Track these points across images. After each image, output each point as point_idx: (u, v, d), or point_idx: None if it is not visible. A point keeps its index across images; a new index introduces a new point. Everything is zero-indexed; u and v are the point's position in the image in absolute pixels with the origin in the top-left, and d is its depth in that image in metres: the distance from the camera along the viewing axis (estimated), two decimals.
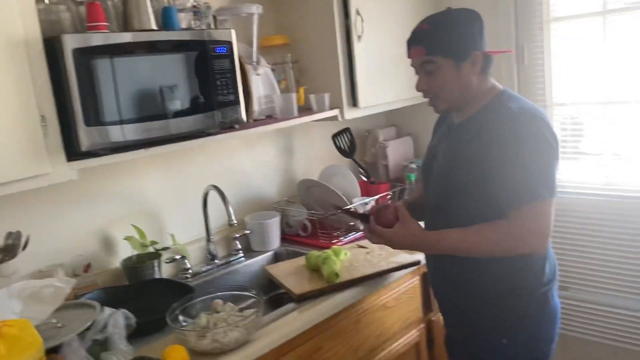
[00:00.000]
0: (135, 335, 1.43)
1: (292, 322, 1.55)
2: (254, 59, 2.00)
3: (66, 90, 1.36)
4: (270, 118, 2.05)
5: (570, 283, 2.36)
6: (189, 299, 1.52)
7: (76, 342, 1.29)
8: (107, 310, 1.41)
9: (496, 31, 2.34)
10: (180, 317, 1.50)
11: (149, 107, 1.51)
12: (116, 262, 1.85)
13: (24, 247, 1.54)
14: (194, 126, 1.61)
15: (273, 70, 2.12)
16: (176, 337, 1.40)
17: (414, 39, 1.44)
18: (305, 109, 2.15)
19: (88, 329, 1.36)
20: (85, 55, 1.37)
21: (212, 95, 1.64)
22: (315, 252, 1.85)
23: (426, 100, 1.51)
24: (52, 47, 1.35)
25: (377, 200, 1.60)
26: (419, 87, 1.47)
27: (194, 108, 1.60)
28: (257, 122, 1.97)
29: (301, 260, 1.90)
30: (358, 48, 2.12)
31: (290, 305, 1.66)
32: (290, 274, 1.82)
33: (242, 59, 1.87)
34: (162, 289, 1.73)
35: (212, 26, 1.80)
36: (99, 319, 1.37)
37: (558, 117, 2.31)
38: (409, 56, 1.46)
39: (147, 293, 1.72)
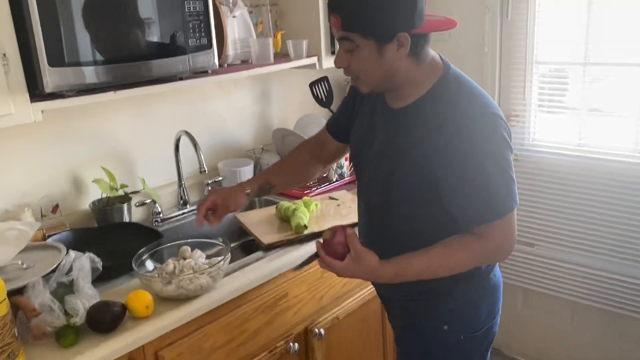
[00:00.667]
0: (101, 278, 1.43)
1: (259, 270, 1.58)
2: (230, 0, 1.93)
3: (28, 27, 1.31)
4: (245, 63, 2.00)
5: (536, 240, 2.42)
6: (156, 245, 1.53)
7: (40, 284, 1.29)
8: (73, 253, 1.41)
9: None
10: (148, 262, 1.51)
11: (118, 48, 1.46)
12: (86, 204, 1.84)
13: None
14: (165, 70, 1.57)
15: (250, 12, 2.06)
16: (142, 283, 1.42)
17: (331, 4, 1.19)
18: (282, 55, 2.10)
19: (53, 271, 1.37)
20: None
21: (184, 38, 1.59)
22: (285, 203, 1.86)
23: None
24: None
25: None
26: (337, 63, 1.24)
27: (165, 51, 1.56)
28: (231, 68, 1.93)
29: (271, 210, 1.91)
30: None
31: (258, 254, 1.68)
32: (259, 223, 1.84)
33: (218, 1, 1.80)
34: (131, 232, 1.74)
35: None
36: (64, 261, 1.37)
37: (536, 74, 2.29)
38: (329, 21, 1.23)
39: (116, 236, 1.73)
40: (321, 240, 1.30)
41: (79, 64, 1.39)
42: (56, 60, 1.35)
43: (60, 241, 1.63)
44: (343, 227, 1.27)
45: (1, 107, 1.32)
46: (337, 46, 1.31)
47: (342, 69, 1.26)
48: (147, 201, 1.91)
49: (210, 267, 1.45)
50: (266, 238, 1.71)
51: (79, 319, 1.26)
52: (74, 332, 1.25)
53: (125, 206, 1.81)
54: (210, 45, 1.66)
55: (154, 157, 2.00)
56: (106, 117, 1.86)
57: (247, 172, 2.13)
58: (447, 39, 2.40)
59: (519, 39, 2.27)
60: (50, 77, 1.34)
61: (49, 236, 1.66)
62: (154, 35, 1.53)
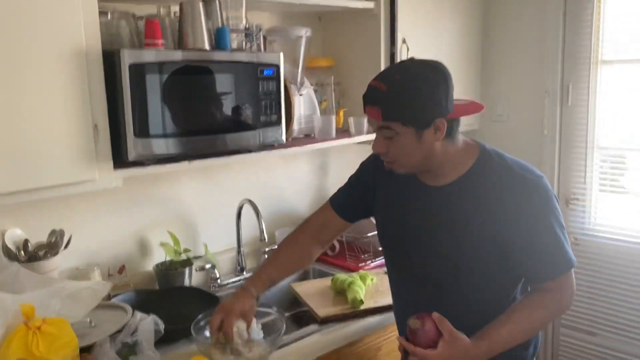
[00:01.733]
0: (161, 341, 1.47)
1: (314, 344, 1.58)
2: (299, 80, 2.05)
3: (119, 102, 1.43)
4: (308, 137, 2.09)
5: (597, 328, 2.32)
6: (206, 315, 1.54)
7: (107, 344, 1.34)
8: (138, 314, 1.47)
9: (542, 69, 2.33)
10: (206, 329, 1.54)
11: (195, 122, 1.57)
12: (150, 266, 1.91)
13: (66, 246, 1.62)
14: (237, 143, 1.66)
15: (315, 91, 2.17)
16: (199, 350, 1.44)
17: (369, 98, 1.25)
18: (343, 131, 2.19)
19: (119, 331, 1.42)
20: (141, 71, 1.43)
21: (256, 115, 1.69)
22: (341, 275, 1.87)
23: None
24: (110, 59, 1.42)
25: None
26: (375, 149, 1.30)
27: (238, 126, 1.66)
28: (296, 141, 2.01)
29: (327, 282, 1.93)
30: None
31: (313, 327, 1.69)
32: (315, 294, 1.85)
33: (287, 80, 1.92)
34: (191, 296, 1.78)
35: (262, 46, 1.85)
36: (130, 322, 1.42)
37: (597, 158, 2.28)
38: (365, 112, 1.27)
39: (176, 299, 1.77)
40: (403, 336, 1.29)
41: (160, 136, 1.50)
42: (141, 132, 1.46)
43: (124, 301, 1.69)
44: (426, 314, 1.26)
45: (88, 173, 1.42)
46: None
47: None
48: (207, 266, 1.96)
49: (267, 338, 1.46)
50: (321, 311, 1.72)
51: None
52: None
53: (187, 270, 1.87)
54: (279, 122, 1.76)
55: (216, 224, 2.08)
56: (176, 185, 1.96)
57: None
58: (505, 120, 2.44)
59: (579, 123, 2.29)
60: (135, 147, 1.45)
61: (114, 296, 1.73)
62: (228, 112, 1.63)
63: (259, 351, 1.42)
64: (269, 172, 2.23)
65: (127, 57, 1.41)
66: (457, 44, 2.36)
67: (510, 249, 1.26)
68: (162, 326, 1.47)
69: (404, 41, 2.12)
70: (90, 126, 1.40)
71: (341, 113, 2.17)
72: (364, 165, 1.56)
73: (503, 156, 1.33)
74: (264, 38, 1.92)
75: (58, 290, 1.28)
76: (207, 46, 1.57)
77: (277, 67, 1.72)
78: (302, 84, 2.06)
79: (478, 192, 1.28)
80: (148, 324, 1.43)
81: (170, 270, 1.86)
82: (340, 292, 1.84)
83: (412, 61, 1.27)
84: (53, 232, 1.63)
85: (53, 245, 1.62)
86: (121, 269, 1.82)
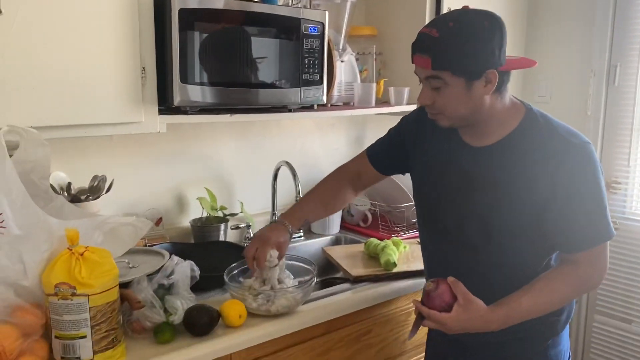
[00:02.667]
0: (195, 288, 1.48)
1: (345, 301, 1.57)
2: (341, 46, 2.05)
3: (167, 47, 1.45)
4: (347, 105, 2.09)
5: (633, 316, 2.26)
6: (240, 264, 1.55)
7: (145, 282, 1.36)
8: (176, 258, 1.49)
9: (590, 48, 2.28)
10: (239, 278, 1.55)
11: (239, 74, 1.58)
12: (186, 221, 1.94)
13: (107, 190, 1.65)
14: (278, 100, 1.67)
15: (357, 59, 2.16)
16: (232, 296, 1.45)
17: (419, 45, 1.21)
18: (382, 102, 2.17)
19: (155, 273, 1.44)
20: (189, 16, 1.45)
21: (298, 72, 1.69)
22: (374, 240, 1.87)
23: None
24: (160, 4, 1.44)
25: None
26: (421, 101, 1.26)
27: (280, 82, 1.66)
28: (335, 107, 2.01)
29: (359, 247, 1.93)
30: None
31: (346, 285, 1.69)
32: (347, 257, 1.85)
33: (330, 43, 1.92)
34: (225, 250, 1.80)
35: (308, 6, 1.86)
36: (167, 265, 1.44)
37: None
38: (413, 62, 1.24)
39: (210, 252, 1.79)
40: (418, 299, 1.28)
41: (205, 84, 1.51)
42: (187, 78, 1.47)
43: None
44: (442, 279, 1.26)
45: (134, 115, 1.45)
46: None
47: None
48: (242, 225, 1.98)
49: (299, 285, 1.47)
50: (354, 271, 1.72)
51: (177, 318, 1.31)
52: (171, 329, 1.29)
53: (222, 226, 1.89)
54: (321, 82, 1.76)
55: (252, 185, 2.09)
56: (216, 143, 1.98)
57: (336, 216, 2.16)
58: (548, 101, 2.39)
59: (625, 105, 2.23)
60: (180, 93, 1.47)
61: (150, 246, 1.76)
62: (271, 67, 1.64)
63: (291, 297, 1.43)
64: (306, 139, 2.24)
65: (178, 2, 1.43)
66: (509, 8, 2.32)
67: (547, 213, 1.22)
68: (197, 272, 1.49)
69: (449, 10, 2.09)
70: (138, 68, 1.43)
71: (381, 83, 2.16)
72: (405, 120, 1.54)
73: (549, 119, 1.29)
74: (309, 1, 1.92)
75: (101, 223, 1.30)
76: None
77: (322, 25, 1.72)
78: (344, 50, 2.05)
79: (520, 154, 1.25)
80: (185, 267, 1.45)
81: (206, 225, 1.88)
82: (373, 256, 1.83)
83: (466, 9, 1.22)
84: (95, 177, 1.66)
85: (95, 189, 1.65)
86: (158, 221, 1.84)
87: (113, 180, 1.66)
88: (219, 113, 1.62)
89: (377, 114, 2.14)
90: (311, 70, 1.72)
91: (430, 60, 1.19)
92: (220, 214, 1.93)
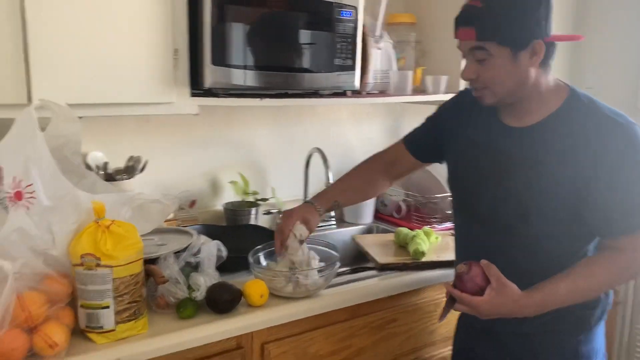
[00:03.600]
0: (223, 268, 1.50)
1: (370, 287, 1.56)
2: (377, 32, 2.02)
3: (200, 29, 1.47)
4: (382, 93, 2.06)
5: None
6: (267, 246, 1.56)
7: (171, 258, 1.39)
8: (203, 238, 1.51)
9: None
10: (263, 260, 1.55)
11: (271, 58, 1.59)
12: (219, 205, 1.97)
13: (141, 170, 1.70)
14: (310, 84, 1.67)
15: (394, 47, 2.13)
16: (255, 277, 1.45)
17: (463, 17, 1.19)
18: (420, 91, 2.14)
19: (183, 251, 1.47)
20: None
21: (330, 57, 1.68)
22: (405, 229, 1.84)
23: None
24: None
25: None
26: (465, 75, 1.24)
27: (312, 66, 1.66)
28: (369, 94, 1.99)
29: (390, 236, 1.90)
30: None
31: (372, 272, 1.67)
32: (376, 245, 1.83)
33: (366, 29, 1.90)
34: (255, 234, 1.81)
35: None
36: (194, 243, 1.47)
37: None
38: (456, 36, 1.22)
39: (241, 235, 1.80)
40: (450, 283, 1.26)
41: (236, 66, 1.53)
42: (218, 59, 1.49)
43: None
44: (475, 261, 1.23)
45: (166, 96, 1.48)
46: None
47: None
48: (273, 211, 1.99)
49: (321, 268, 1.46)
50: (382, 258, 1.70)
51: (199, 294, 1.33)
52: (193, 305, 1.32)
53: (253, 210, 1.91)
54: (354, 67, 1.74)
55: (285, 171, 2.11)
56: (250, 129, 2.01)
57: (369, 205, 2.15)
58: (595, 93, 2.29)
59: None
60: (210, 74, 1.49)
61: (182, 227, 1.79)
62: (304, 51, 1.64)
63: (313, 280, 1.42)
64: (340, 126, 2.23)
65: None
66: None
67: (588, 194, 1.17)
68: (224, 252, 1.51)
69: None
70: (170, 49, 1.46)
71: (419, 71, 2.12)
72: (444, 106, 1.51)
73: (594, 100, 1.25)
74: None
75: (129, 199, 1.33)
76: None
77: (356, 9, 1.71)
78: (381, 37, 2.03)
79: (562, 133, 1.20)
80: (211, 246, 1.47)
81: (237, 209, 1.90)
82: (402, 245, 1.81)
83: None
84: (131, 158, 1.71)
85: (130, 169, 1.70)
86: (192, 203, 1.88)
87: (147, 160, 1.70)
88: (249, 97, 1.63)
89: (414, 102, 2.11)
90: (344, 55, 1.71)
91: (474, 31, 1.18)
92: (252, 198, 1.95)
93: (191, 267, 1.43)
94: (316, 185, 2.12)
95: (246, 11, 1.52)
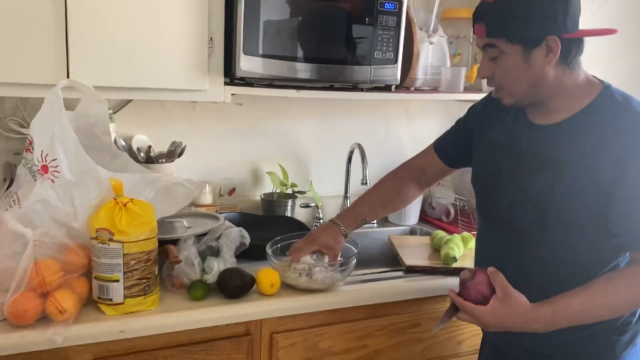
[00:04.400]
0: (247, 256, 1.52)
1: (392, 288, 1.51)
2: (432, 27, 1.95)
3: (235, 18, 1.50)
4: (433, 90, 1.99)
5: None
6: (296, 236, 1.55)
7: (191, 241, 1.42)
8: (227, 223, 1.54)
9: None
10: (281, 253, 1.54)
11: (306, 48, 1.58)
12: (259, 194, 1.99)
13: (179, 155, 1.76)
14: (346, 77, 1.64)
15: (450, 42, 2.05)
16: (271, 265, 1.45)
17: (476, 13, 1.14)
18: (474, 89, 2.03)
19: (206, 234, 1.50)
20: None
21: (370, 50, 1.65)
22: (441, 232, 1.76)
23: None
24: None
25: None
26: (480, 73, 1.18)
27: (349, 58, 1.63)
28: (416, 90, 1.93)
29: (426, 239, 1.83)
30: None
31: (398, 273, 1.62)
32: (410, 247, 1.77)
33: (414, 22, 1.84)
34: (288, 226, 1.81)
35: None
36: (216, 228, 1.50)
37: None
38: (473, 32, 1.17)
39: (273, 226, 1.81)
40: (455, 290, 1.20)
41: (269, 56, 1.54)
42: (251, 49, 1.51)
43: (228, 219, 1.78)
44: (482, 269, 1.16)
45: (199, 83, 1.52)
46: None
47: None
48: (312, 204, 1.99)
49: (338, 262, 1.43)
50: (409, 260, 1.64)
51: (210, 277, 1.35)
52: (204, 287, 1.34)
53: (290, 202, 1.91)
54: (395, 61, 1.69)
55: (327, 165, 2.09)
56: (294, 120, 2.01)
57: (414, 207, 2.08)
58: None
59: None
60: (243, 64, 1.51)
61: (221, 213, 1.84)
62: (341, 42, 1.62)
63: (328, 274, 1.40)
64: (390, 124, 2.18)
65: None
66: (621, 6, 2.04)
67: (614, 199, 1.05)
68: (247, 240, 1.52)
69: None
70: (206, 38, 1.49)
71: (474, 69, 2.02)
72: (473, 108, 1.44)
73: (630, 97, 1.12)
74: None
75: (153, 180, 1.39)
76: None
77: (400, 2, 1.65)
78: (435, 31, 1.95)
79: (589, 131, 1.10)
80: (233, 233, 1.49)
81: (274, 200, 1.92)
82: (437, 249, 1.73)
83: None
84: (173, 143, 1.78)
85: (172, 154, 1.77)
86: (231, 191, 1.92)
87: (185, 145, 1.76)
88: (286, 88, 1.64)
89: (467, 100, 2.00)
90: (384, 48, 1.66)
91: (484, 27, 1.11)
92: (290, 190, 1.95)
93: (212, 251, 1.46)
94: (358, 183, 2.08)
95: (281, 1, 1.52)
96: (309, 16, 1.57)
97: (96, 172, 1.27)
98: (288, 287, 1.41)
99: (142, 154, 1.72)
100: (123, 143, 1.71)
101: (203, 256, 1.41)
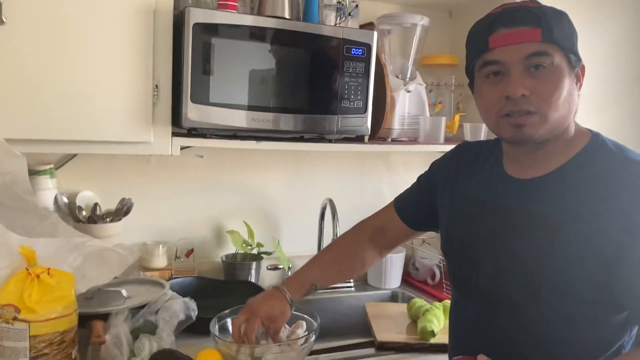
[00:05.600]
0: (195, 330, 1.33)
1: None
2: (409, 74, 1.81)
3: (181, 64, 1.36)
4: (410, 141, 1.83)
5: None
6: (236, 310, 1.33)
7: (123, 315, 1.23)
8: (170, 294, 1.35)
9: None
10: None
11: (262, 97, 1.43)
12: (220, 255, 1.80)
13: (126, 213, 1.58)
14: (309, 127, 1.49)
15: (430, 91, 1.91)
16: (215, 346, 1.25)
17: (522, 16, 0.92)
18: (457, 139, 1.87)
19: (144, 306, 1.31)
20: (205, 32, 1.34)
21: (335, 98, 1.50)
22: (420, 301, 1.56)
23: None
24: (179, 20, 1.36)
25: None
26: (516, 91, 0.91)
27: (314, 107, 1.48)
28: (394, 141, 1.77)
29: (404, 307, 1.63)
30: None
31: (369, 351, 1.42)
32: (385, 317, 1.57)
33: (386, 69, 1.70)
34: (251, 294, 1.61)
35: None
36: (157, 300, 1.31)
37: None
38: (507, 40, 0.91)
39: (235, 293, 1.63)
40: None
41: (221, 105, 1.39)
42: (199, 97, 1.36)
43: (182, 285, 1.60)
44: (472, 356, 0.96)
45: (142, 134, 1.36)
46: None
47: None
48: (281, 266, 1.80)
49: (290, 341, 1.23)
50: (381, 335, 1.43)
51: None
52: None
53: (254, 265, 1.72)
54: (364, 110, 1.54)
55: (298, 223, 1.91)
56: (259, 173, 1.85)
57: (395, 261, 1.89)
58: None
59: None
60: (190, 113, 1.36)
61: (176, 277, 1.66)
62: (302, 90, 1.47)
63: (281, 356, 1.19)
64: (368, 176, 2.01)
65: (193, 16, 1.33)
66: (621, 50, 1.90)
67: (620, 266, 0.87)
68: (194, 312, 1.33)
69: None
70: (150, 85, 1.35)
71: (457, 118, 1.87)
72: (436, 163, 1.25)
73: (623, 147, 0.96)
74: (379, 27, 1.74)
75: (79, 245, 1.21)
76: (287, 15, 1.44)
77: (368, 47, 1.52)
78: (412, 78, 1.81)
79: (582, 185, 0.93)
80: (176, 305, 1.31)
81: (236, 262, 1.73)
82: (416, 320, 1.53)
83: None
84: (122, 200, 1.61)
85: (119, 212, 1.60)
86: (189, 253, 1.73)
87: (132, 203, 1.59)
88: (243, 139, 1.48)
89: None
90: (352, 97, 1.52)
91: (540, 31, 0.91)
92: (255, 251, 1.77)
93: (150, 328, 1.27)
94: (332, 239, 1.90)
95: (235, 46, 1.38)
96: (269, 62, 1.43)
97: (5, 238, 1.10)
98: None
99: (83, 213, 1.55)
100: (65, 200, 1.54)
101: (136, 334, 1.22)
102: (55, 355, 1.06)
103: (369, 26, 1.79)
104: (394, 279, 1.92)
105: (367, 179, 2.01)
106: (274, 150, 1.74)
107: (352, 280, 1.89)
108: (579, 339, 0.94)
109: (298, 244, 1.90)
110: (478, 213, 1.06)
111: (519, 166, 1.02)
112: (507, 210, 1.01)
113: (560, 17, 0.94)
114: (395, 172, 2.05)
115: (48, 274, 1.09)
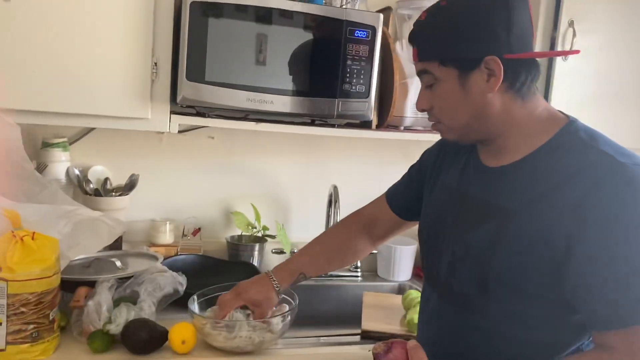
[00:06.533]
0: (182, 304, 1.34)
1: (338, 356, 1.27)
2: None
3: (179, 42, 1.38)
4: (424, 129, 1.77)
5: None
6: (229, 287, 1.34)
7: (107, 284, 1.27)
8: (159, 267, 1.38)
9: None
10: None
11: (259, 77, 1.43)
12: (228, 235, 1.83)
13: (131, 188, 1.63)
14: (308, 109, 1.47)
15: None
16: (192, 321, 1.26)
17: (410, 35, 0.96)
18: None
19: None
20: (202, 10, 1.36)
21: (336, 81, 1.47)
22: (415, 293, 1.52)
23: None
24: None
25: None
26: (418, 105, 0.99)
27: (311, 90, 1.46)
28: (407, 130, 1.72)
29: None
30: (561, 68, 1.68)
31: (355, 338, 1.39)
32: (380, 308, 1.53)
33: (395, 53, 1.64)
34: (249, 275, 1.62)
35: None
36: (143, 273, 1.34)
37: None
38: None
39: (234, 273, 1.64)
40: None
41: (216, 83, 1.39)
42: (194, 75, 1.37)
43: (185, 263, 1.64)
44: (402, 341, 0.92)
45: (140, 111, 1.39)
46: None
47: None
48: (285, 251, 1.79)
49: (266, 318, 1.22)
50: (367, 324, 1.40)
51: (113, 327, 1.18)
52: (104, 338, 1.17)
53: (257, 247, 1.73)
54: (367, 95, 1.51)
55: (308, 208, 1.90)
56: (270, 156, 1.85)
57: (406, 253, 1.84)
58: None
59: None
60: (185, 90, 1.38)
61: (181, 254, 1.69)
62: (301, 72, 1.45)
63: (256, 333, 1.19)
64: (386, 165, 1.96)
65: None
66: None
67: (570, 261, 0.81)
68: (182, 287, 1.36)
69: (570, 24, 1.65)
70: (149, 62, 1.38)
71: None
72: (427, 151, 1.22)
73: (597, 135, 0.89)
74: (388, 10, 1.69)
75: (69, 213, 1.26)
76: None
77: (373, 29, 1.48)
78: None
79: (541, 175, 0.88)
80: (163, 279, 1.33)
81: (239, 244, 1.74)
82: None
83: None
84: (131, 176, 1.66)
85: (127, 187, 1.65)
86: (195, 231, 1.77)
87: (138, 177, 1.63)
88: (241, 120, 1.49)
89: None
90: (354, 80, 1.48)
91: (416, 51, 0.94)
92: (260, 234, 1.77)
93: (135, 297, 1.30)
94: None
95: (233, 25, 1.39)
96: (267, 42, 1.42)
97: None
98: (208, 347, 1.22)
99: (91, 185, 1.61)
100: (77, 173, 1.61)
101: (118, 303, 1.25)
102: (31, 315, 1.11)
103: (386, 11, 1.75)
104: (403, 272, 1.87)
105: (384, 168, 1.97)
106: (286, 134, 1.73)
107: (360, 270, 1.86)
108: (532, 338, 0.89)
109: (306, 230, 1.88)
110: (448, 202, 1.03)
111: (489, 156, 0.98)
112: (472, 199, 0.97)
113: (450, 19, 0.89)
114: (411, 161, 1.99)
115: (32, 238, 1.13)
